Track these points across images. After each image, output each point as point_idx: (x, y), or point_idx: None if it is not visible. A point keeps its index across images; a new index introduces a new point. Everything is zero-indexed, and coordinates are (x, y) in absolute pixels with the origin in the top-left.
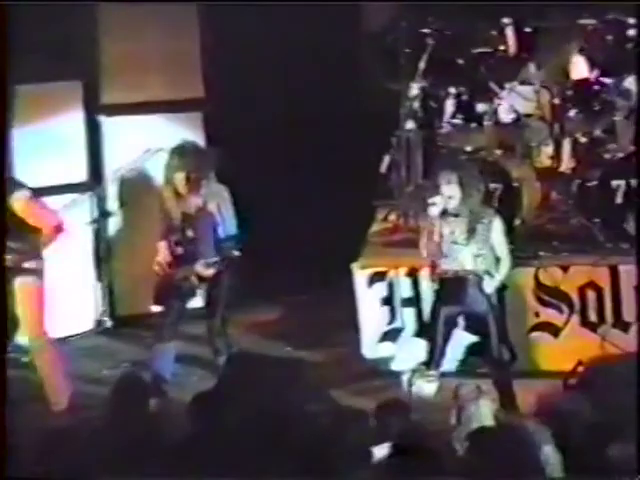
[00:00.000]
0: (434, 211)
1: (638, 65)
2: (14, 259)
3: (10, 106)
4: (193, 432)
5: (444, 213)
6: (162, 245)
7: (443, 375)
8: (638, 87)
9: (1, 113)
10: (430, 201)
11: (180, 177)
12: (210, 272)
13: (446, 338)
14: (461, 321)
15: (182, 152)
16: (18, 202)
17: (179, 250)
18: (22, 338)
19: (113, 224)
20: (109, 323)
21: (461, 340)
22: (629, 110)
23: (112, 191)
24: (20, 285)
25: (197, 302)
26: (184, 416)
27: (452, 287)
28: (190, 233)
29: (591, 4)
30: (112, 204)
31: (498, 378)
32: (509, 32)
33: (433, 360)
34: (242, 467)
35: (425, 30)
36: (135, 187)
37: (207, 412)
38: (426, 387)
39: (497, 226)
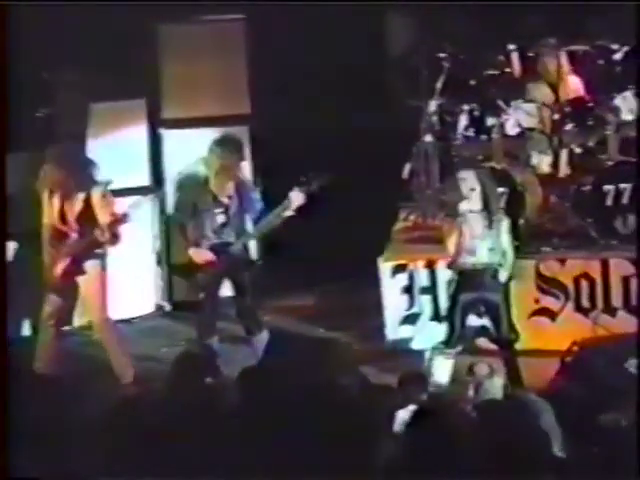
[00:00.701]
0: (463, 211)
1: (638, 77)
2: (80, 248)
3: (87, 121)
4: (241, 403)
5: (471, 210)
6: (195, 251)
7: (458, 353)
8: (638, 100)
9: (2, 114)
10: (460, 205)
11: (243, 165)
12: (303, 199)
13: (462, 322)
14: (478, 307)
15: (235, 145)
16: (95, 195)
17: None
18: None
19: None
20: (168, 307)
21: (473, 323)
22: (617, 125)
23: (170, 193)
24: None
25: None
26: (233, 389)
27: (471, 277)
28: (234, 209)
29: (583, 32)
30: (171, 204)
31: (506, 356)
32: (514, 57)
33: (451, 341)
34: (283, 431)
35: (442, 55)
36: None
37: (253, 385)
38: (444, 363)
39: (505, 225)
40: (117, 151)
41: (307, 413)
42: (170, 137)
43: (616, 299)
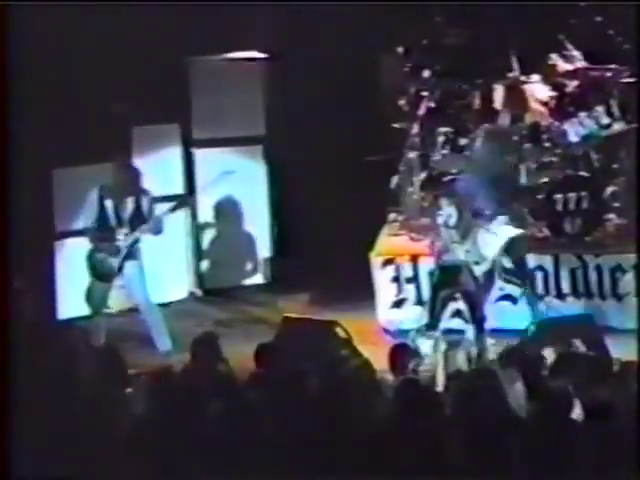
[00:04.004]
0: (440, 220)
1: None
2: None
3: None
4: (257, 371)
5: (447, 225)
6: None
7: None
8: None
9: (3, 114)
10: (438, 213)
11: None
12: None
13: (442, 309)
14: (455, 295)
15: None
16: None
17: None
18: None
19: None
20: (199, 293)
21: (450, 310)
22: (566, 145)
23: (202, 201)
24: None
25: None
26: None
27: (450, 273)
28: None
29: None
30: (202, 211)
31: (478, 335)
32: (482, 89)
33: (432, 324)
34: (290, 392)
35: (423, 87)
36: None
37: (268, 356)
38: (425, 342)
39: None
40: (156, 166)
41: (312, 380)
42: (199, 154)
43: (565, 286)
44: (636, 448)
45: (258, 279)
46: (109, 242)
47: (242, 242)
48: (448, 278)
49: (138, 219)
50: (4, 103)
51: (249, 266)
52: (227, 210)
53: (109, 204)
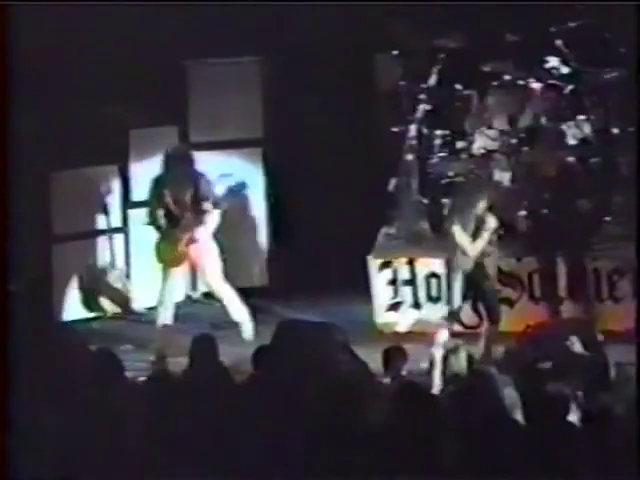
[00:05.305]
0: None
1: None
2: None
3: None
4: (256, 373)
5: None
6: None
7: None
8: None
9: (2, 114)
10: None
11: None
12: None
13: (461, 306)
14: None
15: None
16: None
17: None
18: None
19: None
20: (195, 295)
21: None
22: (564, 147)
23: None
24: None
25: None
26: (249, 361)
27: (468, 271)
28: None
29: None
30: None
31: (490, 330)
32: (480, 91)
33: (450, 317)
34: (288, 394)
35: (419, 90)
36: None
37: (266, 358)
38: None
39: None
40: (154, 168)
41: (309, 381)
42: (197, 157)
43: (562, 290)
44: (636, 449)
45: (255, 282)
46: (175, 229)
47: (239, 244)
48: (467, 277)
49: (198, 203)
50: (4, 105)
51: (246, 269)
52: (224, 213)
53: (169, 198)
